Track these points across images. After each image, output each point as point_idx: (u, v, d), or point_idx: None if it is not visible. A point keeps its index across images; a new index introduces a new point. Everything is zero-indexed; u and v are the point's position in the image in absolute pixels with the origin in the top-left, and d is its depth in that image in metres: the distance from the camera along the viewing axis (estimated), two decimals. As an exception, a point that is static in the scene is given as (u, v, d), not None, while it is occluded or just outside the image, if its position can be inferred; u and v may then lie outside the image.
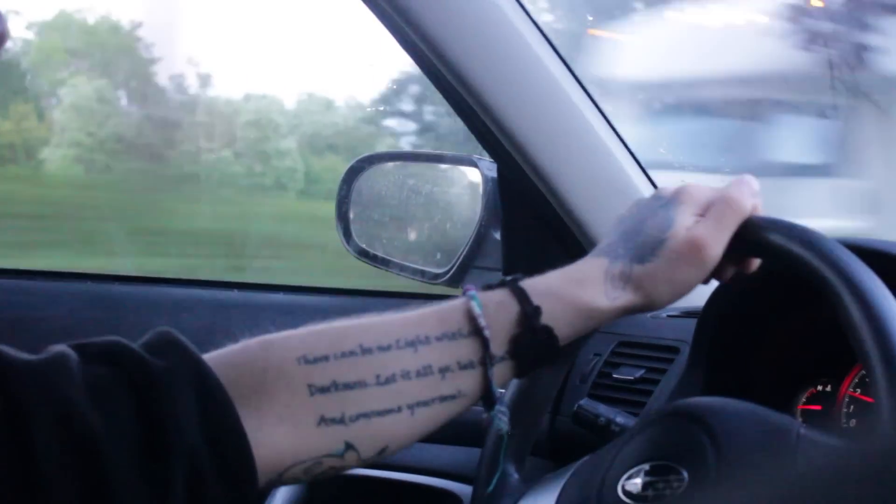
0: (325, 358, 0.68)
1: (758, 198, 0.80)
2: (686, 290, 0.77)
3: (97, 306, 1.30)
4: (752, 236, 0.77)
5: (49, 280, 1.34)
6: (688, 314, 1.16)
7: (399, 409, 0.69)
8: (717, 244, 0.76)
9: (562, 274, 0.76)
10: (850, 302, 0.66)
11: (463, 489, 1.28)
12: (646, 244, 0.77)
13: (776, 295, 0.99)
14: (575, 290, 0.74)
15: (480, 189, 1.33)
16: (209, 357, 0.66)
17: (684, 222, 0.77)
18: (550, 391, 0.89)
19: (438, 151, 1.49)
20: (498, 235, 1.32)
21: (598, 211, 1.23)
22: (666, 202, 0.79)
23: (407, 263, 1.44)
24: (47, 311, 1.27)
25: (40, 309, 1.27)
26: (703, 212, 0.78)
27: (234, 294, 1.42)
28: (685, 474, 0.71)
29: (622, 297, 0.75)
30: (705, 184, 0.81)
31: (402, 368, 0.69)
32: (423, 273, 1.41)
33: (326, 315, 1.39)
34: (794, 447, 0.69)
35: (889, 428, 0.59)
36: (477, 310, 0.71)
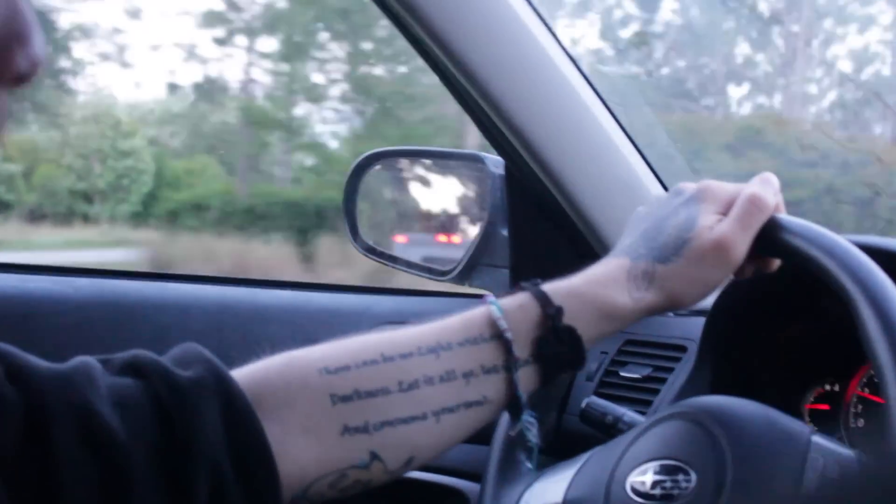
0: (346, 368, 0.67)
1: (780, 196, 0.78)
2: (710, 290, 0.76)
3: (102, 302, 1.30)
4: (775, 238, 0.76)
5: (55, 275, 1.34)
6: (695, 312, 1.16)
7: (424, 417, 0.68)
8: (741, 244, 0.75)
9: (583, 276, 0.75)
10: (868, 315, 0.66)
11: (470, 486, 1.28)
12: (668, 244, 0.75)
13: (784, 294, 0.99)
14: (598, 291, 0.73)
15: (488, 186, 1.32)
16: (234, 373, 0.66)
17: (707, 221, 0.75)
18: (560, 389, 0.89)
19: (445, 148, 1.48)
20: (505, 232, 1.32)
21: (606, 208, 1.23)
22: (687, 200, 0.78)
23: (414, 260, 1.43)
24: (52, 307, 1.27)
25: (47, 304, 1.27)
26: (725, 210, 0.77)
27: (241, 290, 1.42)
28: (693, 475, 0.71)
29: (646, 298, 0.74)
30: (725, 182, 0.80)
31: (424, 374, 0.68)
32: (430, 270, 1.41)
33: (336, 313, 1.40)
34: (804, 453, 0.69)
35: None
36: (497, 313, 0.70)
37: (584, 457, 0.84)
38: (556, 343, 0.71)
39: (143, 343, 0.66)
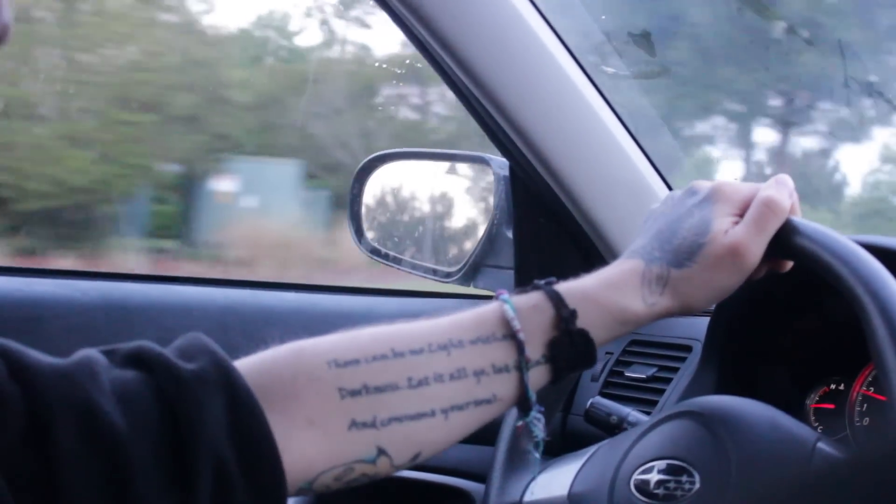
0: (356, 361, 0.66)
1: (795, 197, 0.77)
2: (723, 295, 0.75)
3: (107, 305, 1.30)
4: (790, 241, 0.75)
5: (59, 278, 1.34)
6: (700, 312, 1.16)
7: (433, 413, 0.67)
8: (756, 249, 0.74)
9: (597, 278, 0.74)
10: (878, 325, 0.65)
11: (475, 487, 1.28)
12: (682, 248, 0.74)
13: (789, 294, 0.99)
14: (612, 295, 0.73)
15: (492, 187, 1.33)
16: (240, 363, 0.65)
17: (722, 225, 0.74)
18: (564, 389, 0.89)
19: (450, 150, 1.48)
20: (510, 233, 1.32)
21: (611, 209, 1.23)
22: (701, 201, 0.77)
23: (419, 262, 1.44)
24: (57, 310, 1.27)
25: (50, 308, 1.27)
26: (740, 212, 0.76)
27: (246, 293, 1.42)
28: (697, 477, 0.71)
29: (659, 303, 0.74)
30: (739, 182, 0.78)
31: (434, 372, 0.67)
32: (434, 271, 1.41)
33: (340, 315, 1.40)
34: (808, 459, 0.69)
35: None
36: (511, 313, 0.70)
37: (589, 450, 0.84)
38: (570, 346, 0.70)
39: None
